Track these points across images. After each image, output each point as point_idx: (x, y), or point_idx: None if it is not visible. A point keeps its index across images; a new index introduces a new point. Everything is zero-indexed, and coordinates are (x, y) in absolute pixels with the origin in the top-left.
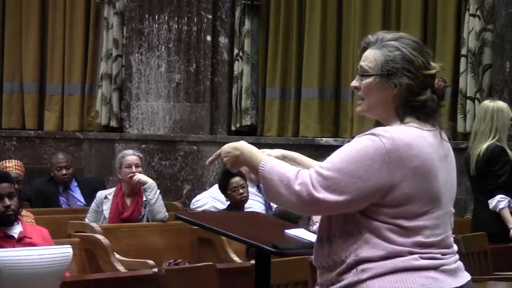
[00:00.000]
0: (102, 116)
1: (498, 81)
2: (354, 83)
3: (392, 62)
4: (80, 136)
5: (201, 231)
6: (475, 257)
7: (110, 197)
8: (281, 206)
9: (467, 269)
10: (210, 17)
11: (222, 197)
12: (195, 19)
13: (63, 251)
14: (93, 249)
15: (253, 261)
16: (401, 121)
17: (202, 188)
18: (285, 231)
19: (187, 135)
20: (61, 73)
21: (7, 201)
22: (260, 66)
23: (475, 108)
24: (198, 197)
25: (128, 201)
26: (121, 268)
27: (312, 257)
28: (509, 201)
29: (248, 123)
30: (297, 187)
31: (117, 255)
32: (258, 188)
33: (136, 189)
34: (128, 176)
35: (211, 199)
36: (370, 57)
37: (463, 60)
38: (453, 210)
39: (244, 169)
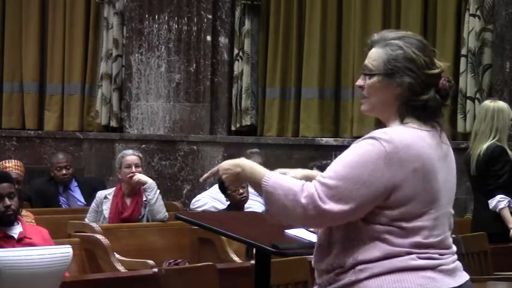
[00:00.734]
0: (102, 116)
1: (498, 81)
2: (359, 82)
3: (394, 61)
4: (80, 136)
5: (201, 231)
6: (475, 257)
7: (110, 197)
8: (285, 221)
9: (468, 269)
10: (210, 17)
11: (222, 197)
12: (195, 19)
13: (63, 251)
14: (93, 249)
15: (253, 261)
16: (401, 121)
17: (202, 188)
18: (285, 231)
19: (187, 135)
20: (61, 73)
21: (7, 202)
22: (260, 66)
23: (475, 108)
24: (198, 197)
25: (128, 201)
26: (121, 268)
27: (312, 256)
28: (509, 201)
29: (248, 123)
30: (303, 200)
31: (117, 255)
32: None
33: (136, 189)
34: (128, 176)
35: (211, 199)
36: (374, 56)
37: (463, 60)
38: (452, 211)
39: None
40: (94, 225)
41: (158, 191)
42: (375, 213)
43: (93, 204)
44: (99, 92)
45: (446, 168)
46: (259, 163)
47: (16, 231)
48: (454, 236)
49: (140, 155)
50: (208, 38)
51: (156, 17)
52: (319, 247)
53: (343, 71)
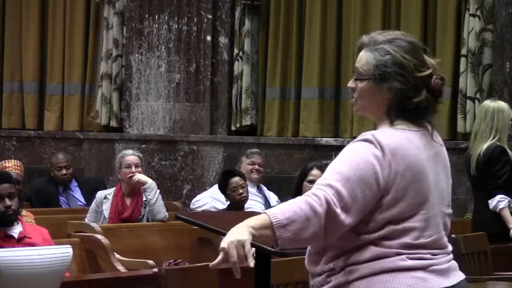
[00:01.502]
0: (102, 116)
1: (498, 81)
2: (351, 84)
3: (383, 67)
4: (80, 136)
5: (201, 231)
6: (475, 257)
7: (110, 197)
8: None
9: (467, 269)
10: (210, 17)
11: (222, 197)
12: (195, 19)
13: (63, 251)
14: (93, 249)
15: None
16: (391, 123)
17: (202, 188)
18: None
19: (187, 135)
20: (61, 73)
21: (7, 202)
22: (260, 66)
23: (475, 108)
24: (198, 197)
25: (128, 201)
26: (121, 268)
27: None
28: (509, 201)
29: (248, 123)
30: (320, 209)
31: (117, 255)
32: (258, 188)
33: (136, 189)
34: (128, 176)
35: (211, 199)
36: (363, 60)
37: (463, 60)
38: (447, 210)
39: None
40: (94, 225)
41: (158, 191)
42: (364, 221)
43: (93, 204)
44: (99, 92)
45: (438, 167)
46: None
47: (16, 231)
48: (454, 236)
49: (140, 155)
50: (208, 38)
51: (156, 17)
52: (310, 252)
53: (343, 71)
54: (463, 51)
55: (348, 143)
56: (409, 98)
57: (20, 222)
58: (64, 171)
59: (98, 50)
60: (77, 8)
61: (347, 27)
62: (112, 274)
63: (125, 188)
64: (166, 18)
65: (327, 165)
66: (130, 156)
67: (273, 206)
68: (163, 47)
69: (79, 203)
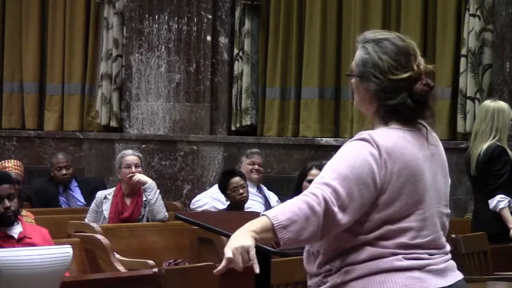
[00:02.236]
0: (102, 116)
1: (498, 81)
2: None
3: (363, 66)
4: (80, 136)
5: (201, 231)
6: (475, 257)
7: (110, 197)
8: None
9: (467, 269)
10: (210, 17)
11: (222, 197)
12: (195, 19)
13: (63, 251)
14: (93, 249)
15: None
16: (385, 123)
17: (202, 188)
18: None
19: (187, 135)
20: (61, 73)
21: (7, 203)
22: (260, 66)
23: (475, 108)
24: (198, 197)
25: (128, 201)
26: (121, 268)
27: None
28: (509, 201)
29: (248, 123)
30: (318, 208)
31: (117, 255)
32: (258, 188)
33: (136, 189)
34: (128, 176)
35: (211, 199)
36: (355, 57)
37: (463, 60)
38: (445, 210)
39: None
40: (94, 225)
41: (158, 191)
42: (361, 221)
43: (93, 204)
44: (99, 92)
45: (435, 167)
46: (259, 163)
47: (16, 231)
48: (454, 235)
49: (140, 155)
50: (208, 38)
51: (156, 17)
52: (307, 252)
53: (343, 71)
54: (463, 51)
55: None
56: (383, 99)
57: (20, 223)
58: (64, 171)
59: (98, 50)
60: (77, 8)
61: (347, 27)
62: (112, 274)
63: (124, 188)
64: (166, 18)
65: None
66: (130, 156)
67: (273, 206)
68: (163, 47)
69: (79, 203)
